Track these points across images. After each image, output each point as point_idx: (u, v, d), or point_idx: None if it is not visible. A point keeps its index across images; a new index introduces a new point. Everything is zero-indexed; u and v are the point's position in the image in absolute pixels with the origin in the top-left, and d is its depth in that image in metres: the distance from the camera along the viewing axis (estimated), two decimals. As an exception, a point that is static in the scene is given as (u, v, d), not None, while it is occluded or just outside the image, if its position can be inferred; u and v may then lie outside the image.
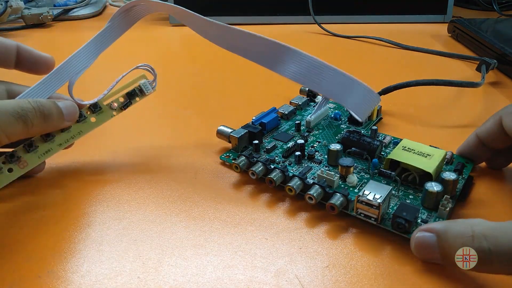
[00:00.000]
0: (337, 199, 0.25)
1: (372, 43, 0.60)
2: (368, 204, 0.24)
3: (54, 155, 0.28)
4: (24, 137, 0.26)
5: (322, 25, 0.65)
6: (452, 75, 0.48)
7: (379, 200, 0.24)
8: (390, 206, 0.26)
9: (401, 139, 0.31)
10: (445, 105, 0.42)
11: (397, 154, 0.28)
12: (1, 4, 0.65)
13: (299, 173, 0.28)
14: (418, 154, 0.28)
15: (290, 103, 0.38)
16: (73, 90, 0.29)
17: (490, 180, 0.30)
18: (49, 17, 0.68)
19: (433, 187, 0.25)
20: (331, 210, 0.25)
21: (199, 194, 0.28)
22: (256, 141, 0.31)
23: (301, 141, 0.31)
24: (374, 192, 0.24)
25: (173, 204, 0.28)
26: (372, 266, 0.23)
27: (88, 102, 0.29)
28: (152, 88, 0.31)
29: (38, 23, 0.68)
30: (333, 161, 0.30)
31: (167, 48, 0.61)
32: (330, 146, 0.30)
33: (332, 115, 0.36)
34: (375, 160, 0.29)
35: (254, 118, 0.34)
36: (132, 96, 0.31)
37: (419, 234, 0.22)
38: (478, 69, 0.47)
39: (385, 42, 0.59)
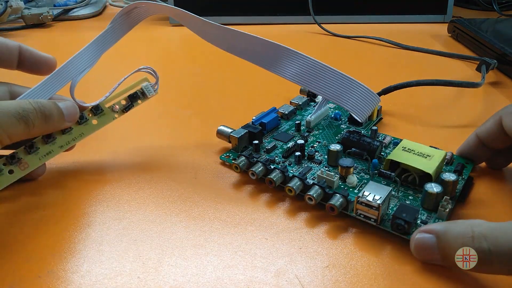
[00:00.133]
0: (336, 200, 0.25)
1: (372, 43, 0.60)
2: (368, 205, 0.24)
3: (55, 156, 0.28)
4: (25, 138, 0.26)
5: (322, 25, 0.65)
6: (452, 75, 0.48)
7: (378, 201, 0.24)
8: (390, 207, 0.26)
9: (401, 139, 0.31)
10: (445, 105, 0.42)
11: (397, 154, 0.28)
12: (1, 4, 0.65)
13: (299, 173, 0.28)
14: (418, 154, 0.28)
15: (290, 103, 0.38)
16: (75, 91, 0.29)
17: (490, 180, 0.30)
18: (49, 17, 0.68)
19: (433, 188, 0.25)
20: (331, 211, 0.25)
21: (199, 194, 0.29)
22: (256, 141, 0.31)
23: (301, 141, 0.31)
24: (373, 193, 0.24)
25: (173, 204, 0.28)
26: (372, 266, 0.23)
27: (89, 104, 0.30)
28: (154, 91, 0.31)
29: (38, 23, 0.68)
30: (333, 161, 0.30)
31: (167, 48, 0.61)
32: (330, 146, 0.30)
33: (332, 115, 0.36)
34: (375, 160, 0.29)
35: (254, 118, 0.34)
36: (134, 98, 0.31)
37: (419, 235, 0.22)
38: (478, 69, 0.47)
39: (385, 42, 0.59)
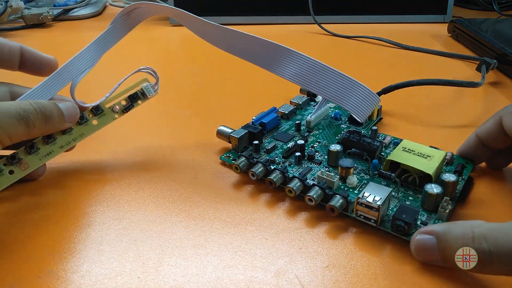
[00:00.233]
0: (337, 201, 0.25)
1: (372, 43, 0.60)
2: (368, 206, 0.24)
3: (55, 156, 0.28)
4: (26, 139, 0.26)
5: (322, 25, 0.65)
6: (452, 75, 0.48)
7: (378, 202, 0.24)
8: (390, 208, 0.26)
9: (401, 139, 0.31)
10: (445, 105, 0.42)
11: (397, 155, 0.28)
12: (1, 4, 0.65)
13: (299, 174, 0.28)
14: (418, 155, 0.28)
15: (290, 102, 0.38)
16: (75, 92, 0.29)
17: (490, 180, 0.30)
18: (49, 17, 0.68)
19: (433, 189, 0.25)
20: (331, 212, 0.25)
21: (199, 194, 0.29)
22: (256, 142, 0.31)
23: (301, 141, 0.31)
24: (374, 194, 0.24)
25: (173, 204, 0.28)
26: (372, 266, 0.23)
27: (90, 104, 0.30)
28: (154, 91, 0.31)
29: (38, 23, 0.68)
30: (333, 162, 0.30)
31: (167, 48, 0.61)
32: (330, 147, 0.30)
33: (333, 115, 0.36)
34: (375, 161, 0.29)
35: (254, 118, 0.34)
36: (134, 99, 0.31)
37: (419, 236, 0.22)
38: (478, 69, 0.47)
39: (385, 42, 0.59)
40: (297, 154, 0.30)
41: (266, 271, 0.22)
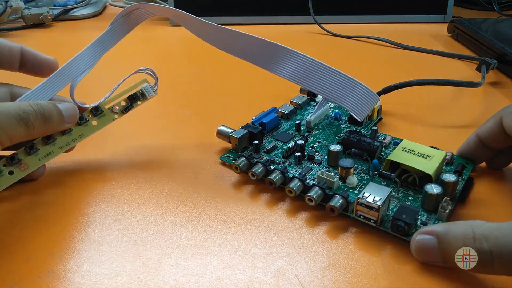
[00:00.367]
0: (337, 201, 0.25)
1: (372, 43, 0.60)
2: (368, 206, 0.24)
3: (55, 157, 0.28)
4: (25, 139, 0.26)
5: (322, 25, 0.65)
6: (452, 75, 0.48)
7: (378, 203, 0.24)
8: (390, 208, 0.26)
9: (401, 139, 0.31)
10: (445, 105, 0.42)
11: (397, 155, 0.28)
12: (1, 4, 0.65)
13: (299, 174, 0.28)
14: (418, 155, 0.28)
15: (290, 102, 0.38)
16: (75, 92, 0.29)
17: (490, 180, 0.30)
18: (49, 17, 0.68)
19: (433, 189, 0.25)
20: (331, 212, 0.25)
21: (199, 194, 0.29)
22: (256, 142, 0.31)
23: (301, 141, 0.31)
24: (374, 194, 0.24)
25: (173, 204, 0.28)
26: (372, 266, 0.23)
27: (89, 105, 0.30)
28: (153, 92, 0.31)
29: (38, 23, 0.68)
30: (333, 162, 0.30)
31: (167, 48, 0.61)
32: (330, 147, 0.30)
33: (333, 115, 0.36)
34: (375, 161, 0.29)
35: (254, 118, 0.34)
36: (133, 99, 0.31)
37: (420, 236, 0.22)
38: (478, 69, 0.47)
39: (385, 42, 0.59)
40: (297, 154, 0.30)
41: (266, 271, 0.22)
